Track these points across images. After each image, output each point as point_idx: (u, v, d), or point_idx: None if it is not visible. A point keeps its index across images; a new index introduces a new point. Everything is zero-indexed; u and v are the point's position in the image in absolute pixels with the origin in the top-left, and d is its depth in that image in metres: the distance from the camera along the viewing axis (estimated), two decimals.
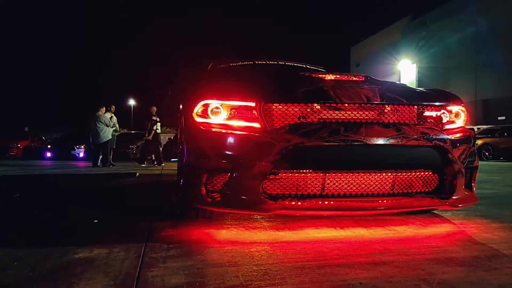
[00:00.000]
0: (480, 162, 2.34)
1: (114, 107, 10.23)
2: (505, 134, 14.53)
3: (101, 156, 9.72)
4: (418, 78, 27.25)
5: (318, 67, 3.82)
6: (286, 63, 3.72)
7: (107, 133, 9.69)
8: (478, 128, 16.86)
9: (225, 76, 3.04)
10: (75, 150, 15.14)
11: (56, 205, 3.20)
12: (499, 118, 20.46)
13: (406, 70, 27.36)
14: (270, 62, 3.68)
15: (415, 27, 28.07)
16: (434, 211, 2.66)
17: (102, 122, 9.56)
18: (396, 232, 2.06)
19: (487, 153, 14.20)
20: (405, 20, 30.48)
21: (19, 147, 16.41)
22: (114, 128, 9.90)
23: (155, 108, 10.51)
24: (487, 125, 17.83)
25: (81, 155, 15.07)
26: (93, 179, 5.94)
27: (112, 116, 9.92)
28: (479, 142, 14.66)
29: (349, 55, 40.22)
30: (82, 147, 15.06)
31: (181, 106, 2.71)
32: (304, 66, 3.74)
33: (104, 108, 9.91)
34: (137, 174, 6.68)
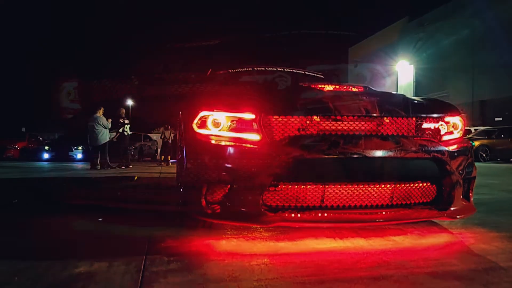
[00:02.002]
0: (477, 164, 2.36)
1: (103, 108, 10.05)
2: (502, 135, 14.62)
3: (99, 158, 9.70)
4: (416, 79, 27.33)
5: (316, 74, 3.84)
6: (285, 70, 3.73)
7: (105, 135, 9.67)
8: (476, 129, 16.96)
9: (225, 85, 3.05)
10: (73, 151, 15.10)
11: (56, 213, 3.19)
12: (496, 119, 20.57)
13: (403, 71, 27.46)
14: (269, 69, 3.69)
15: (412, 28, 28.18)
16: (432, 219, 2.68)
17: (100, 124, 9.54)
18: (395, 243, 2.07)
19: (484, 155, 14.28)
20: (403, 21, 30.57)
21: (16, 148, 16.35)
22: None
23: (124, 110, 10.69)
24: (484, 126, 17.92)
25: (79, 156, 15.02)
26: (92, 183, 5.93)
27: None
28: (476, 143, 14.75)
29: (347, 56, 40.29)
30: (80, 148, 15.02)
31: (180, 113, 2.71)
32: (303, 72, 3.76)
33: (102, 110, 9.88)
34: (136, 177, 6.68)
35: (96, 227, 2.52)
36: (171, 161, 12.46)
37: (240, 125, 1.98)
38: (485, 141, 14.82)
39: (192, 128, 2.08)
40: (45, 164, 12.71)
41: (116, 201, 3.87)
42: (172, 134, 12.13)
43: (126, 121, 10.51)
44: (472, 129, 16.74)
